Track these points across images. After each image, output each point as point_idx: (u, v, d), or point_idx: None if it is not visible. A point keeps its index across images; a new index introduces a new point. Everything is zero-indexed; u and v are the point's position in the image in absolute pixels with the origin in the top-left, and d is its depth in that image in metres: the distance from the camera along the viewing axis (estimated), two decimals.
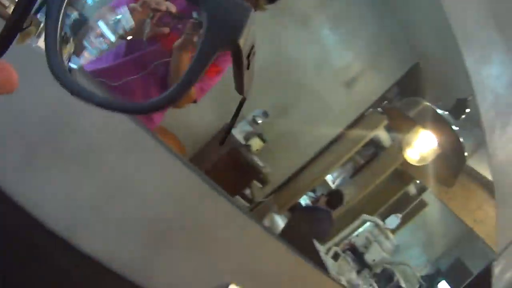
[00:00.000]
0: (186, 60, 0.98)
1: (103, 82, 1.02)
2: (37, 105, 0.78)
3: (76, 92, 0.22)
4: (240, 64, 0.23)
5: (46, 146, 0.78)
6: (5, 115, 0.75)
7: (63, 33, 0.23)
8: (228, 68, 1.08)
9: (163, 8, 0.86)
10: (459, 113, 1.12)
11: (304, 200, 2.21)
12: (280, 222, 1.97)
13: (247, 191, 1.71)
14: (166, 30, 0.93)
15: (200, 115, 1.46)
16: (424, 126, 1.27)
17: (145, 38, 1.00)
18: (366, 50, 1.73)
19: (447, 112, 1.15)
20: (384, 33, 1.66)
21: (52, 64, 0.22)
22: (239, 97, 0.27)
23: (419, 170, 1.43)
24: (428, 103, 1.25)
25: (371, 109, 1.89)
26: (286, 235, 1.75)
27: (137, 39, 1.02)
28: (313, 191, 2.23)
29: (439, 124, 1.16)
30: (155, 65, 1.03)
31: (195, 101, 1.08)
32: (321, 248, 1.68)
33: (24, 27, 0.23)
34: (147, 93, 1.06)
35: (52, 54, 0.22)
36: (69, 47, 0.27)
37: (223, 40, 0.21)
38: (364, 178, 2.22)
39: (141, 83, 1.05)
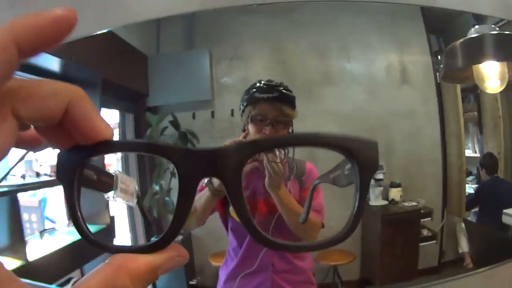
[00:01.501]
0: (284, 195, 1.03)
1: (245, 275, 1.09)
2: None
3: None
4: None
5: None
6: None
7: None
8: None
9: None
10: None
11: None
12: None
13: None
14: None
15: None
16: None
17: None
18: None
19: None
20: None
21: None
22: None
23: None
24: None
25: None
26: None
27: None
28: None
29: None
30: (274, 223, 1.07)
31: (323, 226, 1.09)
32: None
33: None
34: (284, 252, 1.07)
35: None
36: None
37: (370, 174, 0.28)
38: None
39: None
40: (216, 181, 0.97)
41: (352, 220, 0.28)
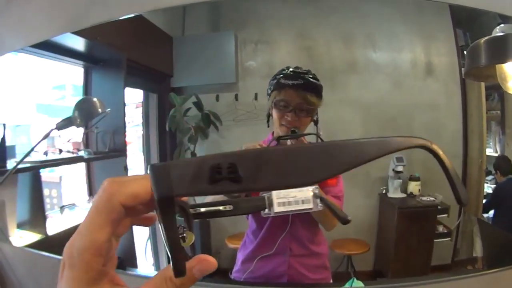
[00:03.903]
0: None
1: (262, 257, 1.10)
2: None
3: None
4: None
5: None
6: None
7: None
8: None
9: None
10: None
11: None
12: None
13: None
14: None
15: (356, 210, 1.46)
16: None
17: None
18: None
19: None
20: None
21: None
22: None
23: None
24: None
25: None
26: None
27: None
28: None
29: None
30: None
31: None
32: None
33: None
34: (302, 237, 1.10)
35: None
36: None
37: None
38: None
39: (292, 233, 1.09)
40: None
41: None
